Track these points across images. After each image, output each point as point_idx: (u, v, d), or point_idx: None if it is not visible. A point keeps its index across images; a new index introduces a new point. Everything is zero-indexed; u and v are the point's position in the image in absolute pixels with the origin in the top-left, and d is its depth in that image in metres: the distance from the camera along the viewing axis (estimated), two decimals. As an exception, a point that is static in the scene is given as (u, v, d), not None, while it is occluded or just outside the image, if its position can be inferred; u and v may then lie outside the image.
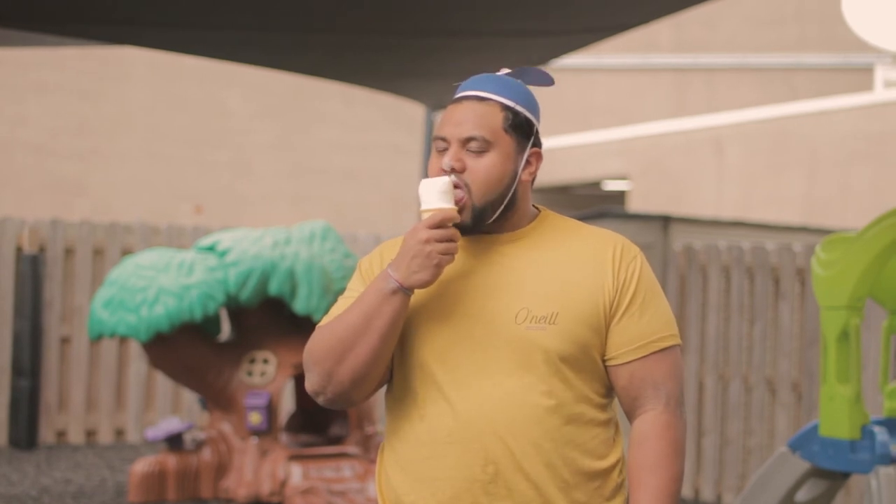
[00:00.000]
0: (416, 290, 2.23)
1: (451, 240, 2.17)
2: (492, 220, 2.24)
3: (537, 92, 2.37)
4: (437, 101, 7.69)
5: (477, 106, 2.25)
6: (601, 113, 17.75)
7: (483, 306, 2.22)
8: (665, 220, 7.40)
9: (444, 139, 2.24)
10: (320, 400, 2.26)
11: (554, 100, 17.14)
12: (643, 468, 2.22)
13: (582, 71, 17.67)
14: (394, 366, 2.30)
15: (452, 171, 2.21)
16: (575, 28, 5.72)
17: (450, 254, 2.17)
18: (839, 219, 11.39)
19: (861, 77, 17.06)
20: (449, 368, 2.22)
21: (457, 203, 2.20)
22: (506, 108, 2.25)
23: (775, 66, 17.50)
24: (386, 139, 14.93)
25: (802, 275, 6.73)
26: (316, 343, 2.24)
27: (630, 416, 2.29)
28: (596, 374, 2.25)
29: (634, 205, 13.82)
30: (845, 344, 4.08)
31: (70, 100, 13.62)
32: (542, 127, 2.35)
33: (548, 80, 2.35)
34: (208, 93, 14.25)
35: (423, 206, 2.19)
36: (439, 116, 8.20)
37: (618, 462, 2.28)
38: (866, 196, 11.51)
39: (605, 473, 2.26)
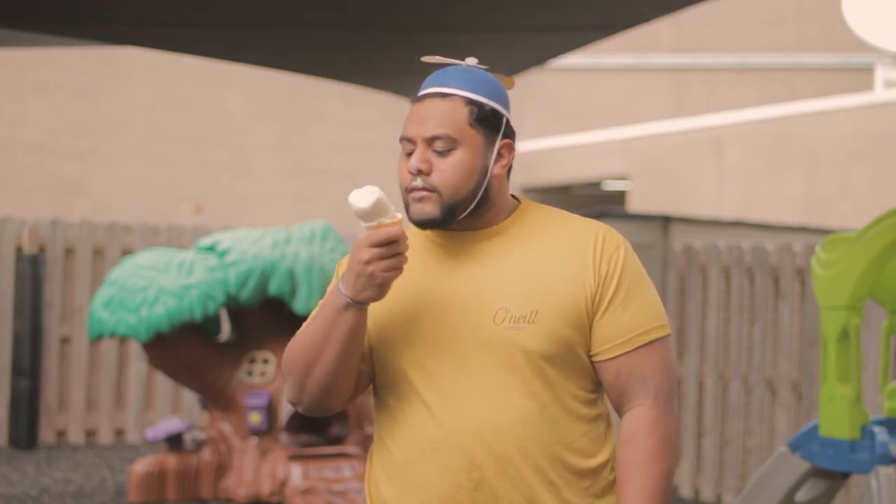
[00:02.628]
0: (391, 294, 2.17)
1: (395, 254, 2.08)
2: (464, 215, 2.17)
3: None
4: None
5: (440, 103, 2.16)
6: (600, 113, 17.74)
7: (461, 307, 2.16)
8: (665, 220, 7.40)
9: (409, 139, 2.18)
10: (299, 409, 2.22)
11: (553, 100, 17.14)
12: (632, 465, 2.15)
13: (581, 71, 17.66)
14: (376, 371, 2.25)
15: (420, 172, 2.14)
16: (575, 25, 5.72)
17: (395, 269, 2.09)
18: (839, 219, 11.39)
19: (861, 77, 17.05)
20: (429, 373, 2.16)
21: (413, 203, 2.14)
22: (470, 101, 2.17)
23: (775, 66, 17.50)
24: (386, 139, 14.93)
25: (802, 275, 6.73)
26: (288, 353, 2.20)
27: (619, 411, 2.22)
28: (582, 371, 2.19)
29: (634, 205, 13.82)
30: (845, 344, 4.08)
31: (70, 100, 13.62)
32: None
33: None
34: (208, 93, 14.26)
35: (365, 223, 2.08)
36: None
37: (609, 459, 2.22)
38: (866, 196, 11.51)
39: (595, 472, 2.20)
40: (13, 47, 8.59)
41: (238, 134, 14.43)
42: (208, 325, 6.60)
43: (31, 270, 8.01)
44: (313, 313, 2.20)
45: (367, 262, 2.07)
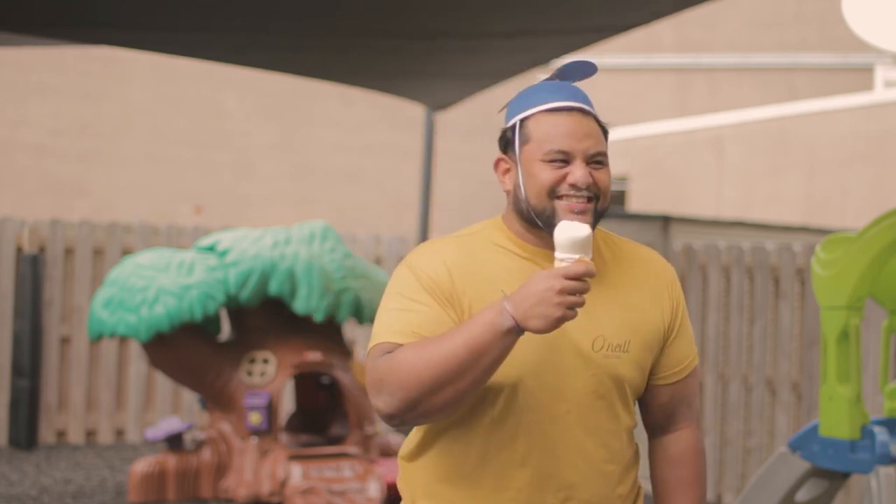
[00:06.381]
0: None
1: (581, 292, 2.03)
2: None
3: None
4: (437, 101, 7.68)
5: (587, 120, 2.25)
6: (603, 113, 17.69)
7: (562, 330, 2.15)
8: (665, 220, 7.40)
9: (564, 153, 2.19)
10: (392, 423, 2.14)
11: (554, 100, 17.14)
12: (684, 483, 2.32)
13: (582, 71, 17.65)
14: None
15: (587, 187, 2.18)
16: (576, 28, 5.72)
17: (574, 307, 2.03)
18: (839, 219, 11.39)
19: (861, 77, 17.06)
20: (523, 391, 2.18)
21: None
22: (599, 122, 2.29)
23: (776, 66, 17.50)
24: (386, 140, 14.93)
25: (802, 275, 6.72)
26: (402, 369, 2.07)
27: (658, 431, 2.36)
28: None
29: (634, 205, 13.82)
30: (845, 344, 4.07)
31: (71, 101, 13.63)
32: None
33: (591, 70, 2.33)
34: (210, 94, 14.26)
35: (560, 255, 2.04)
36: (439, 117, 8.19)
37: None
38: (866, 196, 11.51)
39: (636, 484, 2.35)
40: (15, 47, 8.60)
41: (239, 135, 14.43)
42: (208, 325, 6.59)
43: (31, 270, 8.01)
44: (399, 323, 2.14)
45: (559, 292, 2.01)
